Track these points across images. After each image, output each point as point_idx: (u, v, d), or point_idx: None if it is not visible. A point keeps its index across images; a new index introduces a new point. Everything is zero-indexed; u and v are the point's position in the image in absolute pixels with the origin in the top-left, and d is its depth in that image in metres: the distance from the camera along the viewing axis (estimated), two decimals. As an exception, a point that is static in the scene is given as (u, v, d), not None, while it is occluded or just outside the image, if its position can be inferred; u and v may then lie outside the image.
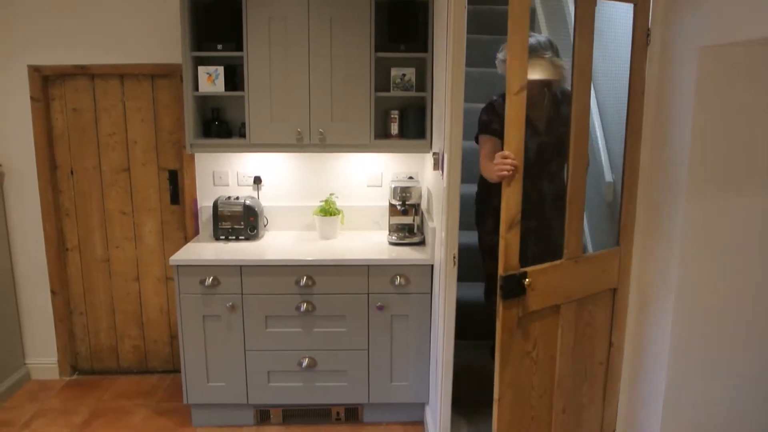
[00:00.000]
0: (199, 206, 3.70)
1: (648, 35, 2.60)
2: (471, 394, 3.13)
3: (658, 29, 2.54)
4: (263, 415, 3.39)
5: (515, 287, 2.37)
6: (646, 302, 2.71)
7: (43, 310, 3.83)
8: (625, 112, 2.71)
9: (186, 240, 3.74)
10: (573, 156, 2.53)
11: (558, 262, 2.57)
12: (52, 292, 3.80)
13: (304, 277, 3.16)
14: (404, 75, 3.40)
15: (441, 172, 2.79)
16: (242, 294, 3.18)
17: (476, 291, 3.37)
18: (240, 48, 3.25)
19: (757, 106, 2.36)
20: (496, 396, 2.52)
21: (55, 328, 3.85)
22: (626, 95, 2.80)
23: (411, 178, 3.63)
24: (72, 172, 3.73)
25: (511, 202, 2.32)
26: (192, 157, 3.66)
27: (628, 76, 2.68)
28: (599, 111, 3.24)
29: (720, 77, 2.32)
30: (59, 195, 3.76)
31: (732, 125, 2.37)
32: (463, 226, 2.77)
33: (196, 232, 3.72)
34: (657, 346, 2.62)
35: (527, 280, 2.39)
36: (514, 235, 2.36)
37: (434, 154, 2.98)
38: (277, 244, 3.46)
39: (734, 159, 2.39)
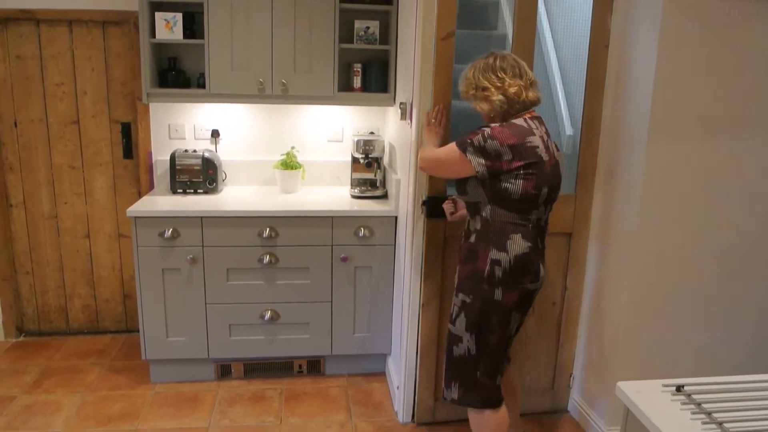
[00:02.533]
0: (154, 160, 3.59)
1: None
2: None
3: (624, -21, 2.62)
4: (224, 370, 3.36)
5: (440, 209, 2.66)
6: (606, 248, 2.82)
7: (-14, 269, 3.66)
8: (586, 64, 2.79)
9: (140, 195, 3.63)
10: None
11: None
12: (-4, 250, 3.64)
13: (267, 229, 3.13)
14: (368, 28, 3.38)
15: (409, 121, 2.81)
16: (203, 246, 3.12)
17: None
18: (200, -7, 3.15)
19: (718, 58, 2.47)
20: (421, 302, 2.84)
21: (-1, 288, 3.68)
22: (583, 49, 2.88)
23: (372, 133, 3.63)
24: (15, 124, 3.55)
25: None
26: (146, 110, 3.54)
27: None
28: (560, 67, 3.32)
29: (684, 29, 2.42)
30: (2, 148, 3.56)
31: (693, 76, 2.47)
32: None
33: (151, 187, 3.61)
34: (617, 291, 2.74)
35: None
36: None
37: (401, 104, 2.99)
38: (237, 197, 3.40)
39: (695, 109, 2.50)
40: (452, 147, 2.20)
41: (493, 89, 2.17)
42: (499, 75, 2.17)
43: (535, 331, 3.04)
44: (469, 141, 2.14)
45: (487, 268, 2.19)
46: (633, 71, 2.58)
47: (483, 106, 2.22)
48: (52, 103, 3.54)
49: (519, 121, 2.17)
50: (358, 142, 3.38)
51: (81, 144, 3.61)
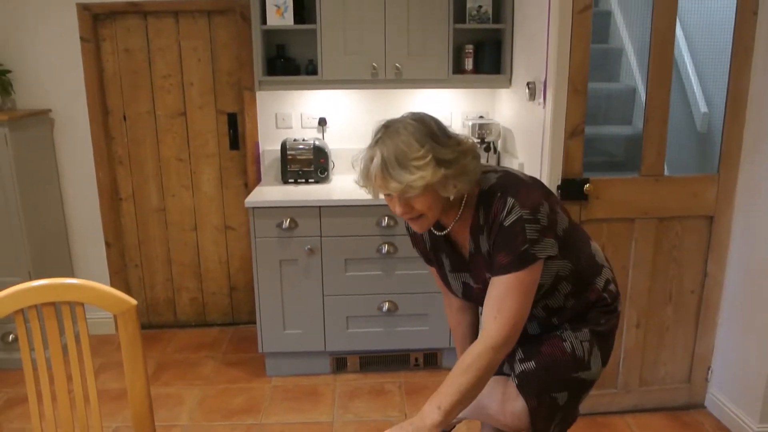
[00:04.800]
0: (261, 150, 3.54)
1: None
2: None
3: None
4: (340, 363, 3.29)
5: (575, 191, 2.60)
6: (755, 232, 2.62)
7: (98, 263, 3.68)
8: (732, 33, 2.60)
9: (247, 187, 3.59)
10: (652, 70, 2.60)
11: (630, 176, 2.70)
12: (107, 243, 3.64)
13: (386, 218, 3.04)
14: (480, 7, 3.24)
15: (541, 100, 2.66)
16: (321, 236, 3.05)
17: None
18: (311, -23, 3.07)
19: None
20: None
21: (110, 282, 3.69)
22: (716, 21, 2.68)
23: (482, 117, 3.49)
24: (125, 118, 3.55)
25: (574, 112, 2.56)
26: (253, 100, 3.49)
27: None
28: (686, 40, 3.11)
29: None
30: (112, 142, 3.58)
31: None
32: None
33: (258, 179, 3.56)
34: (767, 277, 2.54)
35: (588, 186, 2.60)
36: (576, 143, 2.59)
37: (529, 83, 2.84)
38: (349, 185, 3.32)
39: None
40: (516, 277, 1.50)
41: (459, 154, 1.55)
42: (450, 134, 1.60)
43: (672, 321, 2.86)
44: (527, 247, 1.50)
45: (603, 292, 1.74)
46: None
47: (451, 190, 1.54)
48: (159, 95, 3.53)
49: (495, 168, 1.69)
50: (473, 126, 3.25)
51: (188, 136, 3.59)
